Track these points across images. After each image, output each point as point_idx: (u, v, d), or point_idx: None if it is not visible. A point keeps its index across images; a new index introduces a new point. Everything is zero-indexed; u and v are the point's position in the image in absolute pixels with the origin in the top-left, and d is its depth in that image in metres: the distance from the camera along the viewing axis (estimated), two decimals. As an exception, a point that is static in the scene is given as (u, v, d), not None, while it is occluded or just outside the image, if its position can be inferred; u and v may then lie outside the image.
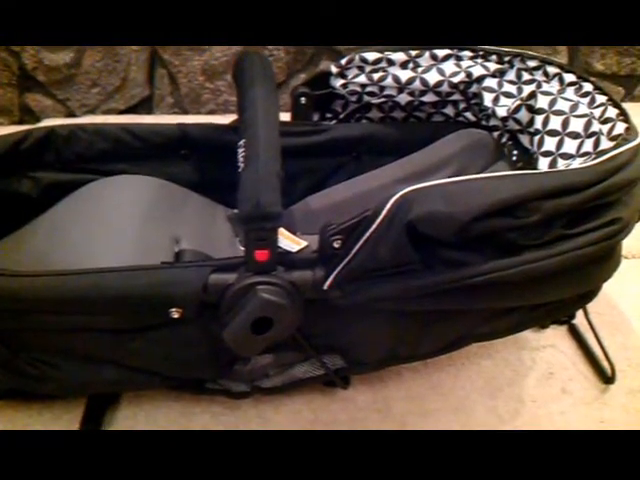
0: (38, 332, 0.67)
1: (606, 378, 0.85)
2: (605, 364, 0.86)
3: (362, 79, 0.88)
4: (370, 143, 0.93)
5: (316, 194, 0.94)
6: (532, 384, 0.86)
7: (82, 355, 0.69)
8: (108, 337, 0.67)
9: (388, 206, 0.59)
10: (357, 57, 0.87)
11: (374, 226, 0.60)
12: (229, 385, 0.76)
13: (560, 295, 0.70)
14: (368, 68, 0.88)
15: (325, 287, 0.64)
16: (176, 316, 0.64)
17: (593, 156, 0.70)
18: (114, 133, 0.88)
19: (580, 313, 0.89)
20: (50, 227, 0.82)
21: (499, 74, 0.87)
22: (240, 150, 0.63)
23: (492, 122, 0.90)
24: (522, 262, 0.62)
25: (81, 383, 0.72)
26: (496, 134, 0.91)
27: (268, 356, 0.73)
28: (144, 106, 1.49)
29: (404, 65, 0.88)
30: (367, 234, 0.60)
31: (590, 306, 0.82)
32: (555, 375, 0.87)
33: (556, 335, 0.92)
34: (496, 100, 0.87)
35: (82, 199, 0.86)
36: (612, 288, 0.91)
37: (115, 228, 0.81)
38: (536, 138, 0.81)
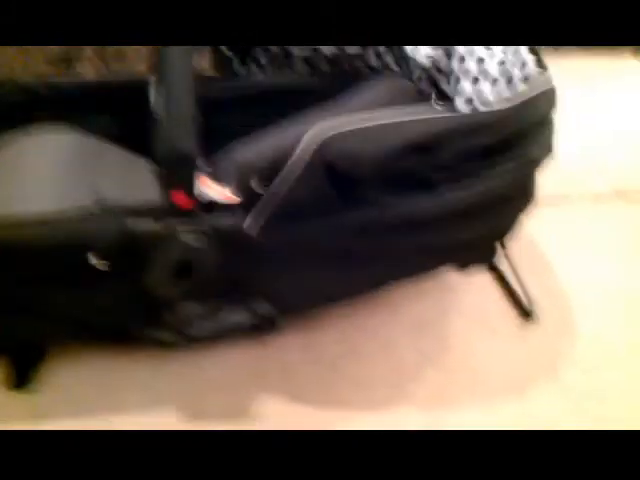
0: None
1: (526, 316, 0.90)
2: (526, 303, 0.90)
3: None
4: (295, 94, 0.93)
5: (242, 143, 0.94)
6: (458, 324, 0.89)
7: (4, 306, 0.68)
8: (28, 287, 0.66)
9: (306, 147, 0.60)
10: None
11: (293, 167, 0.61)
12: (157, 334, 0.75)
13: (481, 228, 0.72)
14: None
15: (245, 226, 0.64)
16: (95, 263, 0.63)
17: (504, 97, 0.72)
18: (28, 84, 0.85)
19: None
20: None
21: None
22: (154, 95, 0.63)
23: (412, 69, 0.91)
24: (438, 196, 0.64)
25: (5, 334, 0.71)
26: (416, 78, 0.92)
27: (194, 304, 0.73)
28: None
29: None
30: (285, 174, 0.61)
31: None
32: (480, 314, 0.90)
33: (482, 279, 0.95)
34: (416, 48, 0.88)
35: (2, 150, 0.83)
36: (534, 235, 0.97)
37: (34, 177, 0.79)
38: (452, 78, 0.82)
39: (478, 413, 0.77)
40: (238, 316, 0.76)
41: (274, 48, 0.90)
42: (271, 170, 0.62)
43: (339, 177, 0.61)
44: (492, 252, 0.83)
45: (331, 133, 0.60)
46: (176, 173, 0.61)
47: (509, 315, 0.91)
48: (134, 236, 0.63)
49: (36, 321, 0.70)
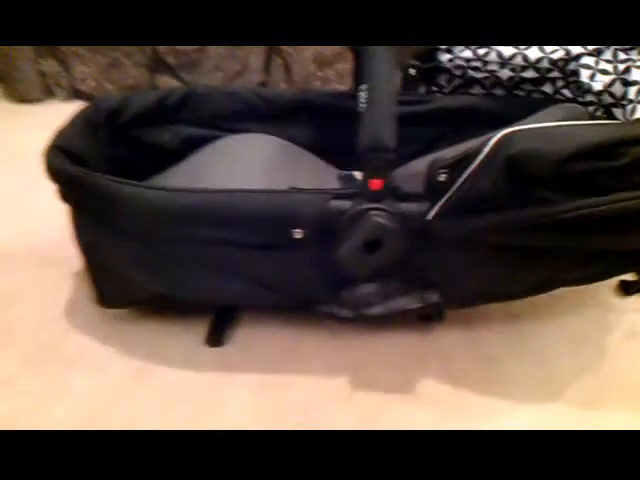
0: (177, 243, 0.80)
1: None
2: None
3: (467, 54, 0.98)
4: (472, 115, 1.02)
5: (419, 159, 1.04)
6: (615, 341, 0.91)
7: (211, 267, 0.81)
8: (237, 253, 0.79)
9: (492, 142, 0.68)
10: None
11: (478, 161, 0.69)
12: (335, 310, 0.85)
13: None
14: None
15: (429, 217, 0.73)
16: (298, 237, 0.75)
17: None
18: (244, 95, 1.02)
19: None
20: (188, 172, 0.96)
21: (596, 53, 0.94)
22: (362, 94, 0.74)
23: (588, 98, 0.97)
24: (610, 201, 0.69)
25: (208, 293, 0.84)
26: (591, 108, 0.98)
27: (373, 285, 0.82)
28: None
29: (507, 42, 0.97)
30: (471, 168, 0.69)
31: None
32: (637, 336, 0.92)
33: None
34: (592, 77, 0.93)
35: (215, 151, 1.00)
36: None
37: (241, 176, 0.93)
38: (629, 108, 0.87)
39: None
40: (410, 301, 0.83)
41: (454, 70, 1.00)
42: (459, 163, 0.70)
43: (517, 172, 0.67)
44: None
45: (513, 129, 0.68)
46: (375, 161, 0.71)
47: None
48: (333, 213, 0.73)
49: (235, 284, 0.82)
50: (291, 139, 1.04)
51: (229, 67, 1.57)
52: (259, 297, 0.85)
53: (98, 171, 0.80)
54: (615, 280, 0.97)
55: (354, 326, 0.90)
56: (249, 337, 0.91)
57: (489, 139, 0.69)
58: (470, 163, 0.69)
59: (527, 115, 1.00)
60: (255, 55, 1.57)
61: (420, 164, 1.03)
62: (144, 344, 0.90)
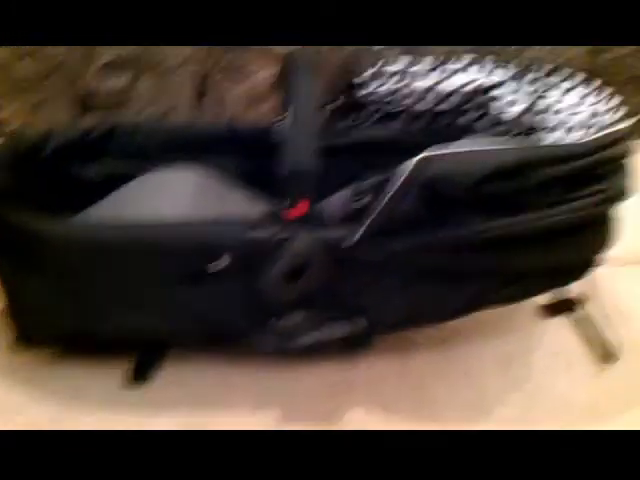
0: (98, 278, 0.77)
1: (607, 358, 0.93)
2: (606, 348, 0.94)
3: (383, 89, 1.01)
4: (392, 146, 1.04)
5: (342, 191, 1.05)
6: (539, 360, 0.94)
7: (132, 302, 0.79)
8: (158, 286, 0.77)
9: (410, 166, 0.70)
10: (380, 69, 1.00)
11: (397, 185, 0.71)
12: (261, 343, 0.83)
13: (559, 258, 0.79)
14: (390, 79, 1.01)
15: (352, 242, 0.73)
16: (220, 268, 0.74)
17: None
18: (172, 128, 1.03)
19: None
20: (112, 208, 0.94)
21: (509, 82, 0.99)
22: (285, 121, 0.75)
23: (501, 128, 1.02)
24: (525, 220, 0.72)
25: (130, 329, 0.81)
26: (504, 139, 1.03)
27: (298, 315, 0.81)
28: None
29: (423, 76, 1.01)
30: (391, 192, 0.71)
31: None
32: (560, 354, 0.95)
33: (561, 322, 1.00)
34: (505, 107, 0.98)
35: (140, 186, 0.98)
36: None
37: (166, 210, 0.92)
38: (541, 135, 0.92)
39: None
40: (338, 329, 0.82)
41: (371, 105, 1.03)
42: (379, 188, 0.72)
43: (435, 194, 0.69)
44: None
45: (428, 154, 0.70)
46: (296, 186, 0.72)
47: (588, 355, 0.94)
48: (254, 243, 0.73)
49: (157, 319, 0.80)
50: (220, 170, 1.03)
51: (159, 105, 1.56)
52: (183, 332, 0.82)
53: (18, 207, 0.77)
54: (535, 301, 1.00)
55: (283, 358, 0.89)
56: (175, 374, 0.88)
57: (408, 163, 0.71)
58: (390, 188, 0.71)
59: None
60: (186, 90, 1.57)
61: (343, 194, 1.06)
62: (62, 389, 0.85)
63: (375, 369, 0.90)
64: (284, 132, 0.75)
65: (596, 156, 0.73)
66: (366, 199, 0.73)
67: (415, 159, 0.70)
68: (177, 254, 0.75)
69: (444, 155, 0.71)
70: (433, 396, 0.86)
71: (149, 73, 1.51)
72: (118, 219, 0.84)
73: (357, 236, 0.73)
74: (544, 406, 0.86)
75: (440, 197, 0.71)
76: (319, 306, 0.80)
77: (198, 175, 1.01)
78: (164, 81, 1.54)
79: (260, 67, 1.55)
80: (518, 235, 0.73)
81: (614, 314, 0.99)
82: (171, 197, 0.95)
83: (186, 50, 1.47)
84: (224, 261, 0.74)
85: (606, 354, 0.93)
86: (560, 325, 0.99)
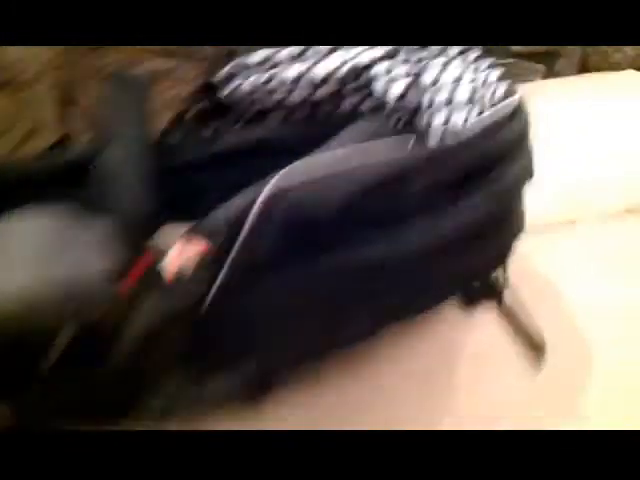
0: None
1: (536, 350, 0.84)
2: (535, 336, 0.86)
3: (246, 86, 0.87)
4: (264, 147, 0.91)
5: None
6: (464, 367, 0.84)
7: None
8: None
9: (260, 201, 0.58)
10: (237, 64, 0.86)
11: (249, 224, 0.59)
12: (154, 406, 0.72)
13: (469, 262, 0.69)
14: (252, 73, 0.87)
15: (209, 299, 0.61)
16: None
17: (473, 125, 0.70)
18: (14, 168, 0.86)
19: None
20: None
21: (388, 58, 0.86)
22: (103, 165, 0.62)
23: (387, 108, 0.90)
24: (411, 232, 0.62)
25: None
26: (392, 120, 0.90)
27: (176, 374, 0.70)
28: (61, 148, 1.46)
29: (288, 65, 0.87)
30: (244, 233, 0.59)
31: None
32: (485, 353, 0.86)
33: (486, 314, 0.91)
34: (385, 86, 0.86)
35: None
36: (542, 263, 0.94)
37: (11, 269, 0.78)
38: (425, 115, 0.80)
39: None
40: (227, 381, 0.71)
41: (239, 105, 0.89)
42: (229, 231, 0.60)
43: (294, 227, 0.59)
44: (487, 285, 0.80)
45: (281, 184, 0.58)
46: (130, 239, 0.59)
47: (517, 351, 0.86)
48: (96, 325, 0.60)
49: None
50: (80, 202, 0.88)
51: (18, 128, 1.39)
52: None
53: None
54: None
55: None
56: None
57: (256, 196, 0.59)
58: (241, 228, 0.59)
59: (325, 138, 0.92)
60: (48, 108, 1.40)
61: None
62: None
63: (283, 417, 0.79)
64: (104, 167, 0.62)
65: (483, 151, 0.63)
66: (216, 245, 0.60)
67: (265, 190, 0.58)
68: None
69: (299, 183, 0.59)
70: (354, 425, 0.76)
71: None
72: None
73: (214, 289, 0.61)
74: (475, 409, 0.79)
75: (304, 226, 0.59)
76: (194, 361, 0.69)
77: (49, 219, 0.86)
78: (19, 98, 1.37)
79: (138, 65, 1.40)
80: (404, 253, 0.63)
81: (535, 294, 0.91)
82: (15, 255, 0.80)
83: (42, 56, 1.29)
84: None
85: (534, 345, 0.85)
86: (485, 319, 0.90)
